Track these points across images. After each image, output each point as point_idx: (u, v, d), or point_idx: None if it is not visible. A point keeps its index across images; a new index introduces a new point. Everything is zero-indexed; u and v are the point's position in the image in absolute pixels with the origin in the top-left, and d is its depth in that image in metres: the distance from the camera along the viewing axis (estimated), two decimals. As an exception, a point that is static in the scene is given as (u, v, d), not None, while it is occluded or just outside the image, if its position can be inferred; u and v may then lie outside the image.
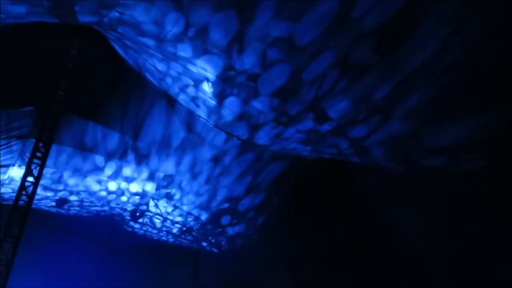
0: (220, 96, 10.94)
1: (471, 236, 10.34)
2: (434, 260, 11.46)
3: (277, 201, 14.75)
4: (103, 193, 15.22)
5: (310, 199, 13.84)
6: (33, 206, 10.92)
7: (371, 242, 13.06)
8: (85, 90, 11.55)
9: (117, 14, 8.83)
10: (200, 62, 9.81)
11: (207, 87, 10.79)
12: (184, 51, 9.51)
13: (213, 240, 17.90)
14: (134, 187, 14.76)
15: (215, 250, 18.43)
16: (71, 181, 14.39)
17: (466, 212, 10.24)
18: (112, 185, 14.66)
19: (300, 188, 13.89)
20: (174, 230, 17.52)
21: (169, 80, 11.39)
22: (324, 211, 13.76)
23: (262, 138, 12.18)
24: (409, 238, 11.97)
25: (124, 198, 15.54)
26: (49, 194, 14.93)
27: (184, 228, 17.12)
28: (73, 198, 15.55)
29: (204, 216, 15.97)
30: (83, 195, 15.35)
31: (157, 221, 16.95)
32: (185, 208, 15.73)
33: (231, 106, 11.17)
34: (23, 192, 10.51)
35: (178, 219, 16.55)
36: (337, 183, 13.33)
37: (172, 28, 8.68)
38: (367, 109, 9.26)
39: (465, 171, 9.52)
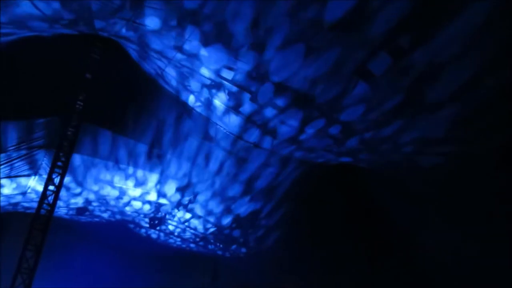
0: (235, 102, 11.02)
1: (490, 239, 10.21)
2: (453, 266, 11.31)
3: (292, 208, 14.71)
4: (122, 201, 15.38)
5: (323, 206, 13.79)
6: (54, 214, 11.09)
7: (386, 249, 12.94)
8: (104, 100, 11.74)
9: (134, 24, 8.99)
10: (216, 67, 9.92)
11: (223, 94, 10.89)
12: (200, 58, 9.65)
13: (229, 247, 17.91)
14: (153, 195, 14.89)
15: (231, 256, 18.42)
16: (91, 189, 14.59)
17: (482, 214, 10.14)
18: (131, 193, 14.81)
19: (314, 195, 13.84)
20: (191, 237, 17.59)
21: (185, 88, 11.51)
22: (337, 218, 13.69)
23: (277, 143, 12.20)
24: (425, 243, 11.83)
25: (142, 206, 15.68)
26: (70, 201, 15.16)
27: (201, 235, 17.16)
28: (92, 206, 15.75)
29: (220, 223, 16.00)
30: (102, 203, 15.54)
31: (175, 229, 17.04)
32: (201, 215, 15.79)
33: (246, 111, 11.25)
34: (45, 201, 10.68)
35: (195, 226, 16.61)
36: (350, 189, 13.26)
37: (189, 36, 8.80)
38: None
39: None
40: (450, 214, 10.90)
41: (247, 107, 10.97)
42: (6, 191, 13.61)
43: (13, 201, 14.66)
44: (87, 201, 15.43)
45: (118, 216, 16.70)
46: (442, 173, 10.30)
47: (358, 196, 13.15)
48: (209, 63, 9.73)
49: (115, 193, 14.86)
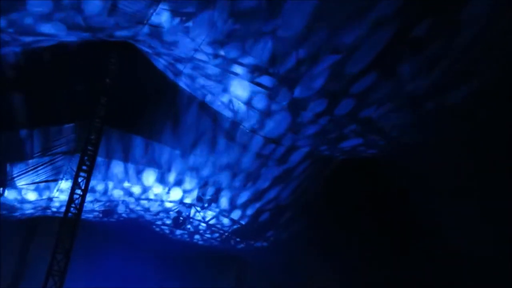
0: (253, 99, 11.07)
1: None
2: (479, 256, 11.11)
3: (316, 201, 14.66)
4: (146, 202, 15.60)
5: (348, 198, 13.69)
6: (81, 217, 11.34)
7: (411, 239, 12.79)
8: (125, 103, 11.93)
9: (150, 28, 9.09)
10: (233, 67, 9.98)
11: (241, 92, 10.94)
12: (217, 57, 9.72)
13: (253, 244, 17.98)
14: (176, 194, 15.06)
15: (256, 255, 18.48)
16: (115, 191, 14.86)
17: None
18: (154, 193, 15.01)
19: (338, 187, 13.75)
20: (215, 236, 17.72)
21: (204, 88, 11.61)
22: (362, 210, 13.57)
23: (296, 138, 12.20)
24: (449, 233, 11.65)
25: (165, 206, 15.86)
26: (96, 204, 15.46)
27: (225, 233, 17.28)
28: (116, 207, 16.03)
29: (244, 220, 16.09)
30: (126, 204, 15.80)
31: (198, 227, 17.19)
32: (226, 214, 15.89)
33: (264, 108, 11.28)
34: (72, 205, 10.93)
35: (218, 223, 16.73)
36: (373, 181, 13.13)
37: (205, 38, 8.87)
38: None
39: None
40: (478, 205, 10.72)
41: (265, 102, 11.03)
42: (34, 196, 13.99)
43: (41, 206, 15.04)
44: (112, 203, 15.71)
45: (141, 217, 16.94)
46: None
47: (383, 189, 13.00)
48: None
49: (139, 194, 15.08)
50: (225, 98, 11.55)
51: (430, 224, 12.09)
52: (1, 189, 12.64)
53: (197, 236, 18.23)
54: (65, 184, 13.59)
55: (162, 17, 8.57)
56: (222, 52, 9.36)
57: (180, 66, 10.88)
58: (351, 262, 14.61)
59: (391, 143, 11.17)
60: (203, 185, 14.67)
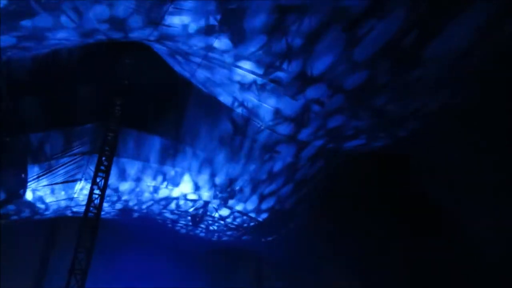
0: (267, 97, 11.07)
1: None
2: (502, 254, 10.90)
3: (336, 197, 14.58)
4: (163, 201, 15.75)
5: (369, 195, 13.55)
6: (101, 216, 11.53)
7: (434, 237, 12.64)
8: (140, 104, 12.07)
9: (164, 27, 9.15)
10: (246, 65, 10.00)
11: (254, 90, 10.96)
12: (230, 57, 9.75)
13: (271, 240, 18.02)
14: (193, 193, 15.18)
15: (276, 252, 18.51)
16: (132, 191, 15.04)
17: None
18: (171, 192, 15.15)
19: (359, 184, 13.62)
20: (232, 232, 17.80)
21: (219, 86, 11.66)
22: (385, 208, 13.42)
23: (312, 134, 12.19)
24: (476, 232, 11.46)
25: (182, 203, 15.99)
26: (115, 203, 15.68)
27: (243, 230, 17.35)
28: (134, 206, 16.22)
29: (261, 217, 16.13)
30: (144, 203, 15.98)
31: (216, 224, 17.30)
32: (242, 210, 15.96)
33: (280, 105, 11.28)
34: (91, 204, 11.13)
35: (235, 220, 16.81)
36: (392, 179, 12.99)
37: (219, 35, 8.90)
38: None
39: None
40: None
41: (280, 99, 11.03)
42: (54, 197, 14.24)
43: (62, 206, 15.30)
44: (129, 202, 15.91)
45: (158, 214, 17.10)
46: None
47: (403, 185, 12.85)
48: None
49: (157, 193, 15.24)
50: (239, 95, 11.59)
51: (451, 221, 11.92)
52: (22, 190, 12.89)
53: (214, 234, 18.35)
54: (84, 185, 13.80)
55: (176, 16, 8.63)
56: (236, 50, 9.39)
57: (194, 65, 10.94)
58: (371, 260, 14.49)
59: (409, 136, 11.04)
60: (220, 183, 14.74)
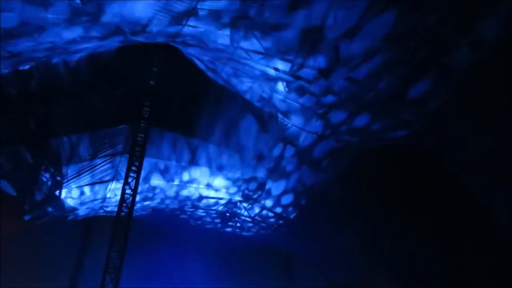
0: (294, 94, 11.06)
1: None
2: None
3: (368, 195, 14.38)
4: (193, 199, 15.92)
5: (402, 192, 13.29)
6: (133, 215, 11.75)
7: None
8: (168, 104, 12.24)
9: (189, 28, 9.26)
10: (273, 62, 10.01)
11: (281, 87, 10.95)
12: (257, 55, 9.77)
13: (302, 239, 17.95)
14: (222, 191, 15.29)
15: (307, 250, 18.41)
16: (163, 190, 15.26)
17: None
18: (200, 191, 15.30)
19: (389, 181, 13.39)
20: (264, 231, 17.82)
21: (245, 85, 11.71)
22: (419, 205, 13.15)
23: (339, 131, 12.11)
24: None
25: (212, 202, 16.12)
26: (146, 203, 15.95)
27: (275, 228, 17.34)
28: (166, 205, 16.44)
29: (291, 214, 16.10)
30: (174, 202, 16.18)
31: (247, 223, 17.35)
32: (271, 208, 15.97)
33: (306, 102, 11.26)
34: (124, 204, 11.37)
35: (266, 219, 16.82)
36: (425, 173, 12.71)
37: (244, 34, 8.94)
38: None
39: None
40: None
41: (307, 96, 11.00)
42: (88, 197, 14.61)
43: (95, 206, 15.67)
44: (160, 201, 16.14)
45: (188, 213, 17.27)
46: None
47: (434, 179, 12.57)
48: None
49: (186, 192, 15.42)
50: (265, 94, 11.61)
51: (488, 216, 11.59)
52: (58, 191, 13.28)
53: (245, 232, 18.41)
54: (116, 185, 14.11)
55: (201, 17, 8.71)
56: (261, 49, 9.41)
57: (220, 65, 11.03)
58: (407, 258, 14.22)
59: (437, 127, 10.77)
60: (248, 182, 14.80)
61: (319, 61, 9.31)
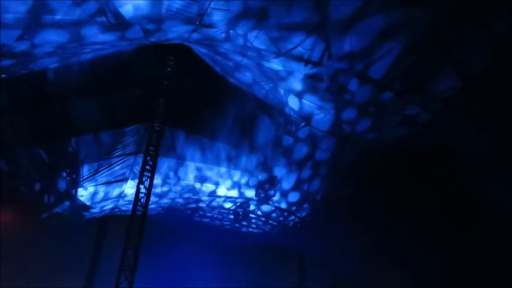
0: (309, 92, 11.06)
1: None
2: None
3: (380, 194, 14.30)
4: (206, 198, 15.98)
5: (413, 191, 13.19)
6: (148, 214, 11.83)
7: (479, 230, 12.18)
8: (181, 104, 12.31)
9: (203, 28, 9.30)
10: (286, 62, 10.02)
11: (295, 86, 10.96)
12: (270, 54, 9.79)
13: (314, 237, 17.90)
14: (235, 190, 15.34)
15: (320, 248, 18.37)
16: (176, 189, 15.36)
17: None
18: (215, 190, 15.35)
19: (401, 180, 13.30)
20: (276, 229, 17.82)
21: (258, 84, 11.73)
22: (430, 203, 13.04)
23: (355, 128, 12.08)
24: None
25: (225, 201, 16.17)
26: (160, 201, 16.07)
27: (285, 226, 17.32)
28: (178, 203, 16.54)
29: (304, 213, 16.08)
30: (187, 200, 16.27)
31: (258, 221, 17.36)
32: (284, 207, 15.97)
33: (320, 101, 11.25)
34: (138, 203, 11.45)
35: (278, 217, 16.82)
36: (438, 173, 12.60)
37: (257, 33, 8.97)
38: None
39: None
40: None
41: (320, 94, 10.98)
42: (104, 196, 14.76)
43: (110, 205, 15.83)
44: (175, 200, 16.24)
45: (201, 212, 17.34)
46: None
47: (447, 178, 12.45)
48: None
49: (199, 191, 15.49)
50: (279, 93, 11.62)
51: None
52: (73, 190, 13.44)
53: (257, 231, 18.42)
54: (131, 184, 14.24)
55: (214, 17, 8.75)
56: (275, 48, 9.42)
57: (233, 64, 11.06)
58: (418, 258, 14.10)
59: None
60: (261, 181, 14.81)
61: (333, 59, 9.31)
